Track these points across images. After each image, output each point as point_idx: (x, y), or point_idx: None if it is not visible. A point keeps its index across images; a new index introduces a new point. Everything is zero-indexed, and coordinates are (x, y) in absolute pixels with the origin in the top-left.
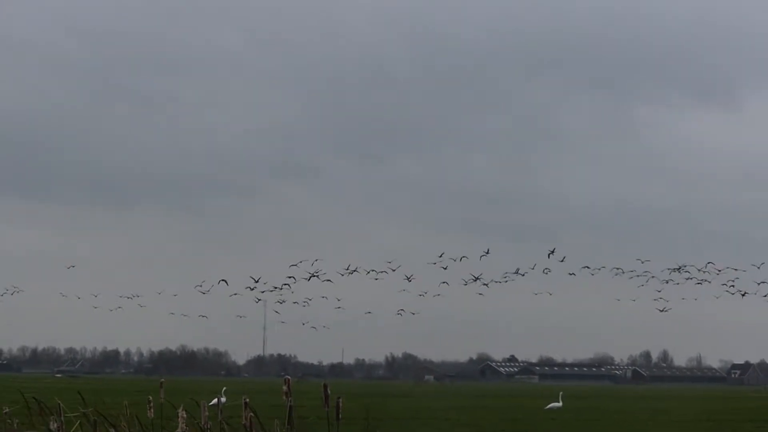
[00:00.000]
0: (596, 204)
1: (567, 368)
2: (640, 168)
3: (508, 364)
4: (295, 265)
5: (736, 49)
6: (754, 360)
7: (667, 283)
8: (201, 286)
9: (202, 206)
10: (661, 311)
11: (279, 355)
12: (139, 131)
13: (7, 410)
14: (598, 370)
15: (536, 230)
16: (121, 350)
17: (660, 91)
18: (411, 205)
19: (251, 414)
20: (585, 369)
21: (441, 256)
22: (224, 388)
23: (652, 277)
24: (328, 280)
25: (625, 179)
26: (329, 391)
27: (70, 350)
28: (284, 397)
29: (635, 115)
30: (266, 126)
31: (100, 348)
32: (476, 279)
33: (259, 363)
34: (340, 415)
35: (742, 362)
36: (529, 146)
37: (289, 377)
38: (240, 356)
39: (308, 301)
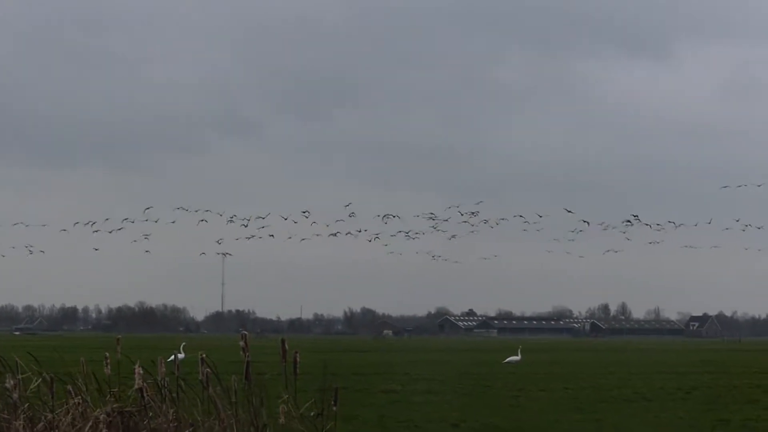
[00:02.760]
0: (539, 159)
1: (525, 322)
2: (580, 122)
3: (466, 318)
4: (245, 225)
5: (668, 1)
6: (712, 312)
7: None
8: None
9: (145, 163)
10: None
11: (237, 311)
12: (76, 88)
13: None
14: (556, 323)
15: (479, 186)
16: (79, 307)
17: (594, 45)
18: (352, 161)
19: (208, 370)
20: (543, 322)
21: (385, 217)
22: (183, 344)
23: (610, 227)
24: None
25: (566, 134)
26: (287, 346)
27: (28, 308)
28: (241, 353)
29: (572, 70)
30: (205, 82)
31: (58, 305)
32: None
33: (217, 319)
34: (298, 370)
35: (700, 314)
36: (467, 102)
37: (246, 333)
38: (199, 312)
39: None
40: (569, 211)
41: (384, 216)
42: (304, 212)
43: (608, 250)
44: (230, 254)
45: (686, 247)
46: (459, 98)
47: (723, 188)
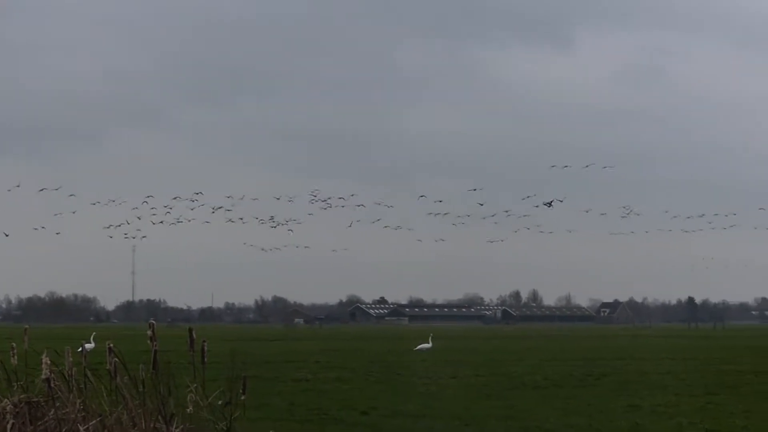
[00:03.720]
0: (442, 145)
1: (437, 309)
2: (481, 108)
3: (377, 306)
4: (154, 213)
5: None
6: (623, 298)
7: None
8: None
9: (48, 152)
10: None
11: (148, 300)
12: None
13: None
14: (467, 310)
15: (387, 172)
16: None
17: (495, 32)
18: (257, 148)
19: (116, 359)
20: (455, 310)
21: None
22: (93, 334)
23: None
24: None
25: (468, 119)
26: (195, 335)
27: None
28: (149, 342)
29: (473, 56)
30: (108, 70)
31: None
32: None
33: (128, 309)
34: (206, 359)
35: (611, 301)
36: (371, 89)
37: (153, 322)
38: (109, 302)
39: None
40: (549, 204)
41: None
42: (197, 194)
43: (526, 227)
44: (144, 236)
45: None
46: (363, 85)
47: (551, 167)
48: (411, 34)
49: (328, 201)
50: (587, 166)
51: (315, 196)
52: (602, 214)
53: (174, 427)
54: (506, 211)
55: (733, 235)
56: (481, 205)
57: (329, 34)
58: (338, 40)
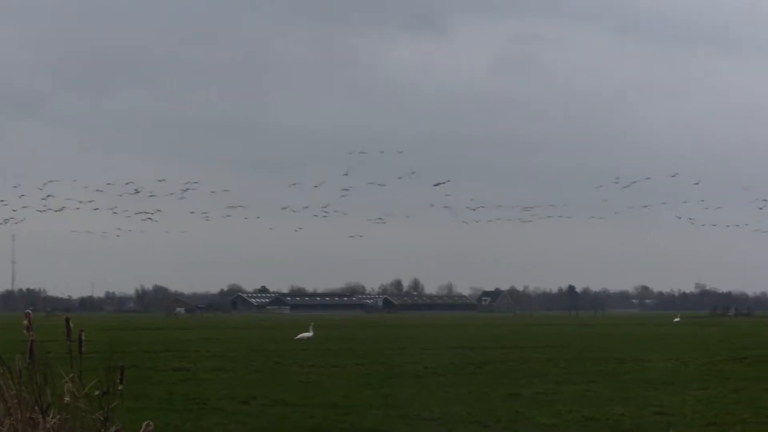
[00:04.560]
0: (325, 134)
1: (318, 298)
2: (362, 96)
3: (259, 294)
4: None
5: None
6: (504, 287)
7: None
8: None
9: None
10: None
11: (28, 289)
12: None
13: None
14: (349, 299)
15: (269, 160)
16: None
17: (375, 20)
18: (139, 136)
19: None
20: (336, 298)
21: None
22: None
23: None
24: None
25: (349, 108)
26: (71, 325)
27: None
28: (26, 332)
29: (353, 45)
30: None
31: None
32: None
33: (7, 298)
34: (83, 349)
35: (492, 289)
36: (255, 76)
37: (30, 311)
38: None
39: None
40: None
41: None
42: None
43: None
44: (21, 220)
45: (491, 221)
46: (246, 73)
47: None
48: (289, 22)
49: (188, 189)
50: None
51: (185, 187)
52: (476, 207)
53: (50, 417)
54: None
55: (613, 225)
56: (346, 190)
57: (209, 21)
58: (218, 27)
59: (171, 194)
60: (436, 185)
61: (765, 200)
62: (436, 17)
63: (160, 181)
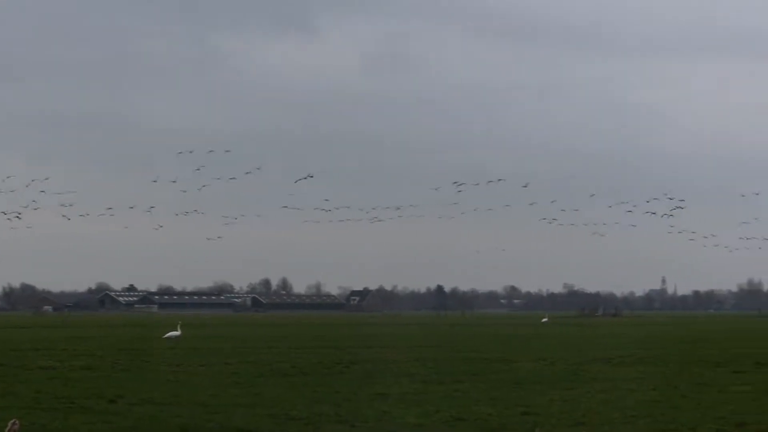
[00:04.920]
0: (190, 134)
1: (187, 297)
2: (227, 96)
3: (127, 293)
4: None
5: None
6: (372, 286)
7: None
8: None
9: None
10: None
11: None
12: None
13: None
14: (218, 298)
15: (133, 159)
16: None
17: (242, 20)
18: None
19: None
20: (205, 297)
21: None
22: None
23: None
24: None
25: (213, 108)
26: None
27: None
28: None
29: (220, 45)
30: None
31: None
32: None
33: None
34: None
35: (361, 289)
36: (118, 75)
37: None
38: None
39: None
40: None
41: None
42: None
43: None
44: None
45: (346, 220)
46: (110, 71)
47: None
48: (156, 22)
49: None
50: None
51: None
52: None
53: None
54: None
55: (483, 224)
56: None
57: (75, 20)
58: (84, 26)
59: (42, 192)
60: (296, 181)
61: (627, 202)
62: (306, 18)
63: (33, 180)
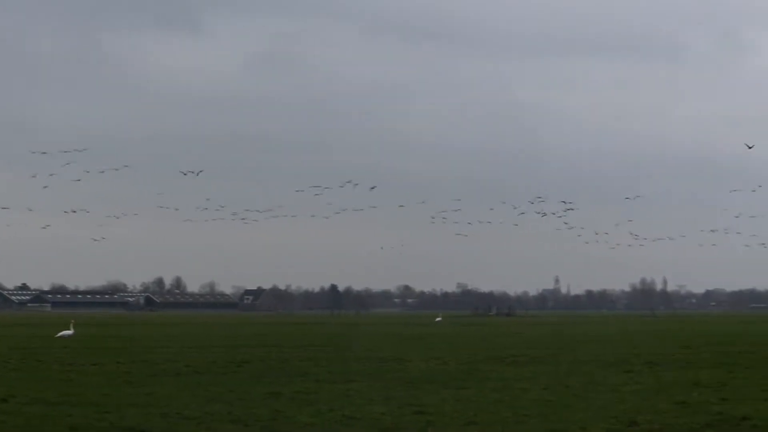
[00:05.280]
0: (81, 134)
1: (80, 296)
2: (114, 96)
3: (19, 292)
4: None
5: None
6: (266, 285)
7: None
8: None
9: None
10: None
11: None
12: None
13: None
14: (111, 297)
15: (16, 157)
16: None
17: (129, 18)
18: None
19: None
20: (98, 296)
21: None
22: None
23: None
24: None
25: (101, 107)
26: None
27: None
28: None
29: (107, 43)
30: None
31: None
32: None
33: None
34: None
35: (255, 288)
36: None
37: None
38: None
39: None
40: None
41: None
42: None
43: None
44: None
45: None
46: None
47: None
48: (45, 19)
49: None
50: None
51: None
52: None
53: None
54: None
55: (374, 225)
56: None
57: None
58: None
59: None
60: (184, 173)
61: (506, 202)
62: (193, 16)
63: None
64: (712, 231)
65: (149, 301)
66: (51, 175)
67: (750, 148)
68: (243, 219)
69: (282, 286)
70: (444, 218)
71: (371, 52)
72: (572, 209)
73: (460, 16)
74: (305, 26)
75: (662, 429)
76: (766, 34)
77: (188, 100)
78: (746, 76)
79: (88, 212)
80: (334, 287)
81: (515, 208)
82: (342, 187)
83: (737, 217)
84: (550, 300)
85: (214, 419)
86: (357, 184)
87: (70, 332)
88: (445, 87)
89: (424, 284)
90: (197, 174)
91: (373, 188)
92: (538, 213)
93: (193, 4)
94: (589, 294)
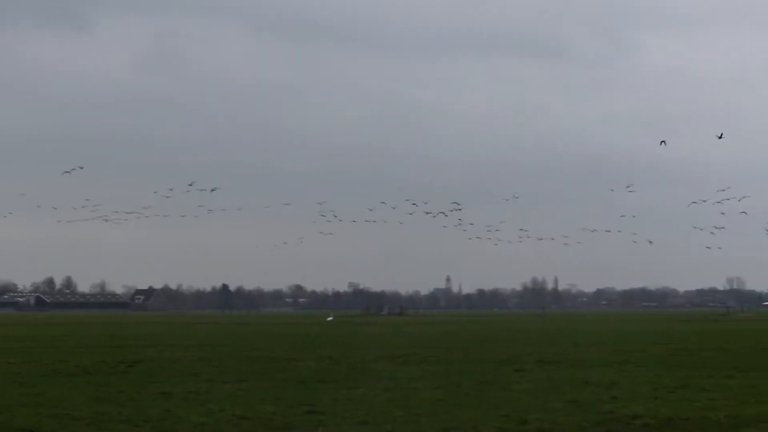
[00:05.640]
0: None
1: None
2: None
3: None
4: None
5: None
6: (158, 285)
7: None
8: None
9: None
10: None
11: None
12: None
13: None
14: (0, 297)
15: None
16: None
17: (13, 16)
18: None
19: None
20: None
21: None
22: None
23: None
24: None
25: None
26: None
27: None
28: None
29: None
30: None
31: None
32: None
33: None
34: None
35: (146, 287)
36: None
37: None
38: None
39: None
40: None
41: None
42: None
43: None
44: None
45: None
46: None
47: None
48: None
49: None
50: None
51: None
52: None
53: None
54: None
55: (260, 223)
56: None
57: None
58: None
59: None
60: (64, 173)
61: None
62: (78, 14)
63: None
64: (592, 231)
65: (40, 301)
66: None
67: (662, 144)
68: (106, 220)
69: (173, 286)
70: (335, 216)
71: (259, 51)
72: (460, 208)
73: (351, 15)
74: (192, 25)
75: (553, 428)
76: (652, 35)
77: (71, 99)
78: (630, 76)
79: None
80: (225, 287)
81: (394, 208)
82: (189, 187)
83: (623, 216)
84: (441, 299)
85: (105, 419)
86: (203, 189)
87: None
88: (332, 86)
89: (315, 284)
90: (71, 171)
91: (213, 190)
92: (428, 213)
93: (81, 2)
94: (481, 293)
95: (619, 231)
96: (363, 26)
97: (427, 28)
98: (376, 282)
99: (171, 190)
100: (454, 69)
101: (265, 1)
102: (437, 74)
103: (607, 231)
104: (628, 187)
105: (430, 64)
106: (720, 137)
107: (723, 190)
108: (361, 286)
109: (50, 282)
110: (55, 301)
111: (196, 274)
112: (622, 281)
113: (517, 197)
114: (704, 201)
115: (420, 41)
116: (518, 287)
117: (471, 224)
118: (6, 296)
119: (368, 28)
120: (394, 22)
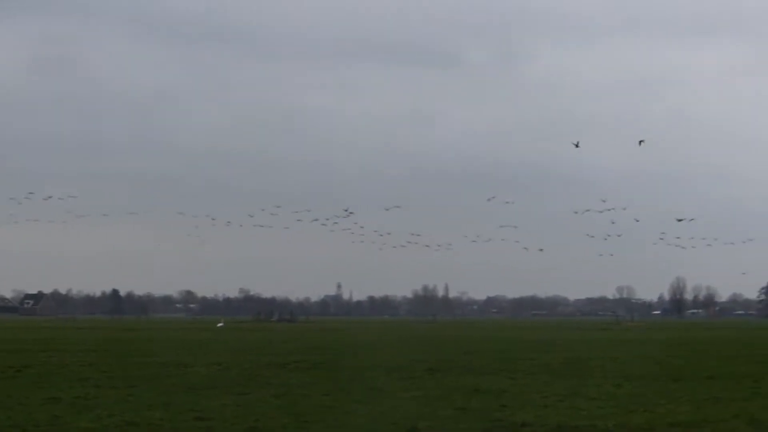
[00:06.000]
0: None
1: None
2: None
3: None
4: None
5: None
6: (47, 290)
7: None
8: None
9: None
10: None
11: None
12: None
13: None
14: None
15: None
16: None
17: None
18: None
19: None
20: None
21: None
22: None
23: None
24: None
25: None
26: None
27: None
28: None
29: None
30: None
31: None
32: None
33: None
34: None
35: (35, 292)
36: None
37: None
38: None
39: None
40: None
41: None
42: None
43: None
44: None
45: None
46: None
47: None
48: None
49: None
50: None
51: None
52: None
53: None
54: None
55: (156, 228)
56: None
57: None
58: None
59: None
60: None
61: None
62: None
63: None
64: (473, 241)
65: None
66: None
67: (576, 146)
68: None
69: (63, 291)
70: (229, 222)
71: (148, 55)
72: (352, 213)
73: (239, 20)
74: (80, 27)
75: None
76: (544, 43)
77: None
78: (520, 84)
79: None
80: (115, 292)
81: (272, 214)
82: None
83: (502, 227)
84: (332, 306)
85: None
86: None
87: None
88: (218, 91)
89: (206, 289)
90: None
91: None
92: (316, 220)
93: None
94: (372, 300)
95: (502, 239)
96: (250, 31)
97: (319, 34)
98: (267, 288)
99: (31, 194)
100: (349, 76)
101: (152, 5)
102: (330, 81)
103: (487, 240)
104: (508, 202)
105: (324, 70)
106: (640, 143)
107: (604, 200)
108: (252, 292)
109: None
110: None
111: (86, 280)
112: (513, 289)
113: (398, 207)
114: (587, 210)
115: (313, 48)
116: (409, 294)
117: (362, 227)
118: None
119: (256, 32)
120: (285, 26)
